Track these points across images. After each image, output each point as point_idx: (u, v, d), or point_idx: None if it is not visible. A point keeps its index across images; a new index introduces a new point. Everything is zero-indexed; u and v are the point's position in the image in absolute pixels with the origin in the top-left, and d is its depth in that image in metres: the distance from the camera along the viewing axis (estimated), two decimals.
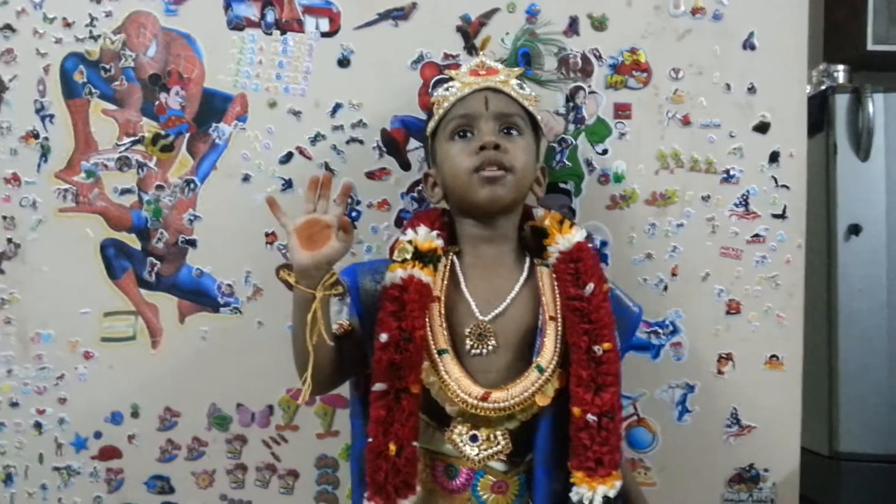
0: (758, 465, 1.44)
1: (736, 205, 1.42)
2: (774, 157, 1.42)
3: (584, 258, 1.12)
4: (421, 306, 1.07)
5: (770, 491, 1.44)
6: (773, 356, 1.43)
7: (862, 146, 1.83)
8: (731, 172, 1.42)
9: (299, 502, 1.42)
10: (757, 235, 1.42)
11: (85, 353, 1.40)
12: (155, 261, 1.40)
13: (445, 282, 1.13)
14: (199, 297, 1.40)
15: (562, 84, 1.37)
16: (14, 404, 1.40)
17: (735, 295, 1.42)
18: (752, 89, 1.41)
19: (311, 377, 1.03)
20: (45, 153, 1.39)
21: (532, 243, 1.19)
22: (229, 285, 1.40)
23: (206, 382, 1.41)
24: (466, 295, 1.12)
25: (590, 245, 1.15)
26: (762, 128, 1.42)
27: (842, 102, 1.98)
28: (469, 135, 1.14)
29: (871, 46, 2.12)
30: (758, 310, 1.42)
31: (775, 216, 1.42)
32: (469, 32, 1.38)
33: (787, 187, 1.42)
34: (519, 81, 1.17)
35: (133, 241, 1.40)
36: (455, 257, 1.16)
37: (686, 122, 1.41)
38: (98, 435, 1.41)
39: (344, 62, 1.39)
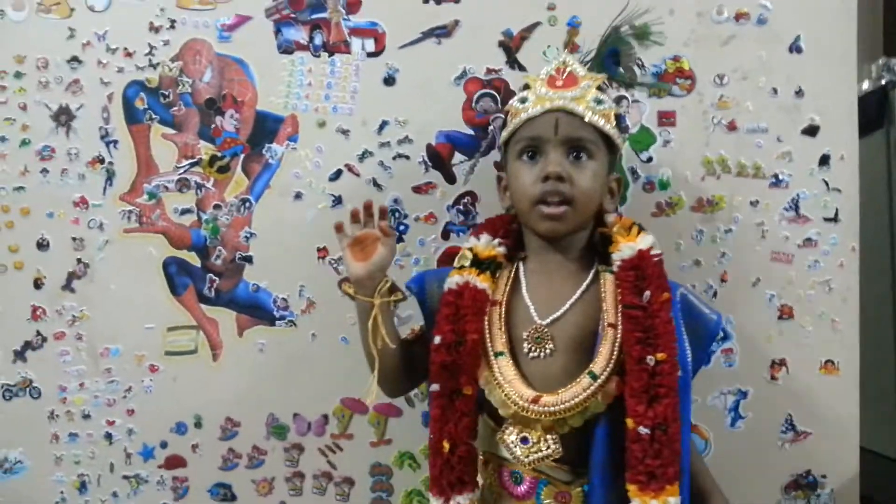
0: (815, 471, 1.42)
1: (786, 209, 1.41)
2: (825, 160, 1.41)
3: (645, 266, 1.10)
4: (475, 311, 1.10)
5: (828, 497, 1.42)
6: (828, 361, 1.41)
7: None
8: (780, 177, 1.41)
9: None
10: (809, 240, 1.41)
11: (150, 367, 1.46)
12: (214, 277, 1.45)
13: (508, 286, 1.15)
14: (256, 311, 1.45)
15: (660, 85, 1.36)
16: (86, 416, 1.47)
17: (787, 300, 1.41)
18: (799, 92, 1.40)
19: (376, 380, 1.10)
20: (110, 177, 1.45)
21: (601, 249, 1.18)
22: (284, 299, 1.44)
23: (264, 393, 1.45)
24: (526, 299, 1.13)
25: (653, 252, 1.11)
26: (811, 131, 1.40)
27: None
28: (536, 157, 1.13)
29: None
30: (811, 314, 1.41)
31: (827, 220, 1.41)
32: (511, 47, 1.40)
33: (838, 190, 1.40)
34: (597, 95, 1.13)
35: (193, 259, 1.45)
36: (521, 263, 1.18)
37: (732, 127, 1.41)
38: (164, 445, 1.46)
39: (389, 80, 1.43)
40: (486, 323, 1.11)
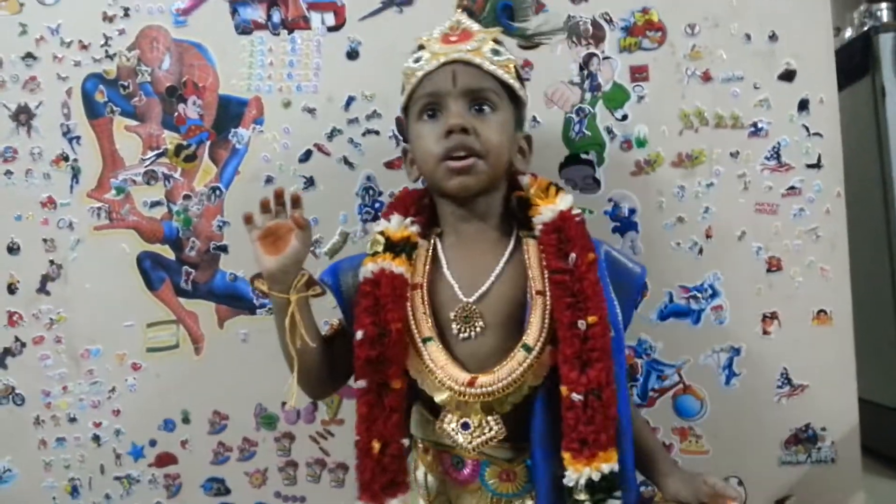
0: (815, 424, 1.40)
1: (767, 158, 1.38)
2: (804, 105, 1.38)
3: (567, 227, 1.05)
4: (395, 299, 1.03)
5: (830, 450, 1.40)
6: (820, 311, 1.39)
7: None
8: (760, 125, 1.38)
9: (351, 494, 1.39)
10: (792, 188, 1.38)
11: (133, 365, 1.44)
12: (190, 269, 1.43)
13: (428, 266, 1.08)
14: (236, 300, 1.43)
15: (553, 35, 1.21)
16: (72, 419, 1.45)
17: (774, 251, 1.38)
18: (773, 37, 1.37)
19: (297, 381, 1.04)
20: (75, 174, 1.43)
21: (520, 214, 1.12)
22: None
23: (250, 383, 1.43)
24: (448, 277, 1.07)
25: (575, 212, 1.07)
26: (788, 76, 1.38)
27: (886, 42, 1.90)
28: (437, 114, 1.07)
29: None
30: (800, 265, 1.38)
31: (810, 166, 1.38)
32: (475, 10, 1.35)
33: (819, 135, 1.38)
34: (495, 47, 1.08)
35: (167, 252, 1.43)
36: (437, 239, 1.11)
37: (707, 78, 1.38)
38: (153, 443, 1.45)
39: (353, 54, 1.40)
40: (409, 308, 1.05)
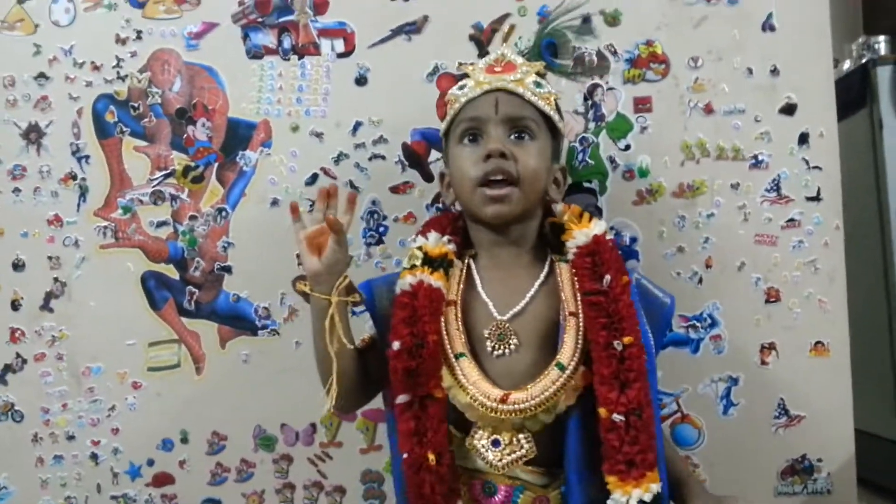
0: (811, 455, 1.40)
1: (767, 190, 1.40)
2: (804, 139, 1.39)
3: (601, 251, 1.08)
4: (432, 311, 1.04)
5: (826, 481, 1.40)
6: (818, 343, 1.40)
7: None
8: (760, 157, 1.40)
9: None
10: (792, 220, 1.40)
11: (133, 384, 1.44)
12: (193, 289, 1.43)
13: (462, 285, 1.10)
14: (238, 321, 1.43)
15: (590, 74, 1.33)
16: (71, 437, 1.44)
17: (773, 282, 1.39)
18: (774, 71, 1.39)
19: (336, 383, 1.03)
20: (83, 193, 1.44)
21: (553, 240, 1.15)
22: (266, 308, 1.43)
23: (250, 404, 1.43)
24: (483, 296, 1.09)
25: (608, 237, 1.10)
26: (789, 109, 1.39)
27: (884, 74, 1.92)
28: (478, 139, 1.10)
29: None
30: (798, 296, 1.39)
31: (809, 199, 1.39)
32: (482, 40, 1.38)
33: (819, 168, 1.39)
34: (537, 79, 1.12)
35: (171, 272, 1.43)
36: (471, 260, 1.13)
37: (709, 110, 1.40)
38: (151, 462, 1.44)
39: (361, 80, 1.42)
40: (443, 324, 1.06)
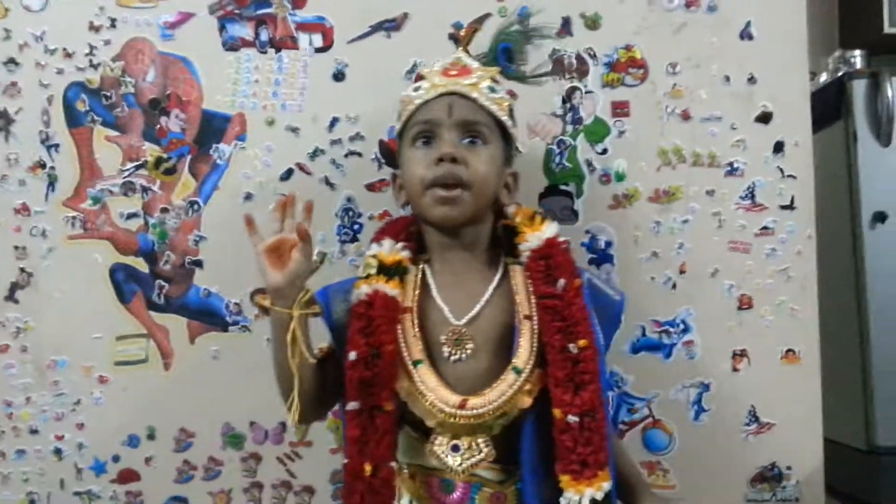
0: (780, 462, 1.41)
1: (742, 198, 1.41)
2: (779, 148, 1.40)
3: (554, 254, 1.08)
4: (389, 321, 1.05)
5: (794, 489, 1.41)
6: (789, 350, 1.41)
7: (882, 132, 1.79)
8: (735, 165, 1.40)
9: None
10: (765, 228, 1.41)
11: (100, 378, 1.41)
12: (163, 283, 1.41)
13: (417, 291, 1.10)
14: (209, 317, 1.41)
15: (549, 78, 1.32)
16: (34, 431, 1.42)
17: (746, 289, 1.40)
18: (752, 79, 1.40)
19: (297, 398, 1.03)
20: (52, 182, 1.41)
21: (506, 242, 1.15)
22: (237, 304, 1.41)
23: (219, 402, 1.41)
24: (439, 302, 1.09)
25: (561, 240, 1.11)
26: (764, 118, 1.40)
27: (860, 88, 1.94)
28: (431, 142, 1.10)
29: (888, 29, 2.08)
30: (771, 304, 1.40)
31: (783, 207, 1.41)
32: (462, 40, 1.37)
33: (793, 177, 1.40)
34: (492, 84, 1.12)
35: (141, 265, 1.41)
36: (426, 266, 1.13)
37: (686, 116, 1.40)
38: (116, 458, 1.42)
39: (339, 76, 1.40)
40: (400, 331, 1.07)
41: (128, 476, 1.42)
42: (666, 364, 1.40)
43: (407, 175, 1.12)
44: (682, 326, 1.40)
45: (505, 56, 1.19)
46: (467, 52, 1.17)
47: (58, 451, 1.42)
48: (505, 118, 1.12)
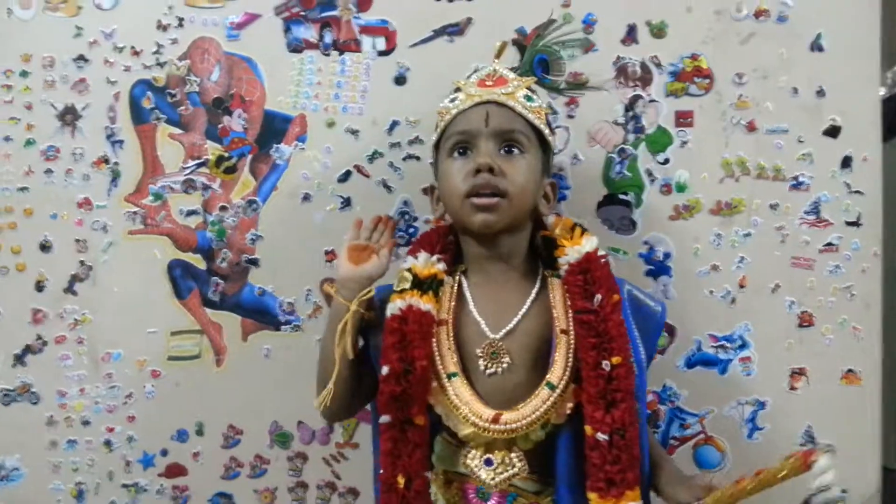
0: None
1: (807, 212, 1.38)
2: (847, 163, 1.38)
3: (593, 269, 1.08)
4: (422, 336, 1.05)
5: None
6: (849, 370, 1.38)
7: None
8: (801, 179, 1.38)
9: None
10: (830, 244, 1.38)
11: (152, 372, 1.43)
12: (219, 280, 1.42)
13: (453, 303, 1.11)
14: (262, 315, 1.42)
15: (585, 90, 1.30)
16: (86, 422, 1.43)
17: (807, 307, 1.37)
18: (821, 92, 1.38)
19: (333, 385, 1.07)
20: (115, 177, 1.43)
21: (544, 253, 1.15)
22: (290, 303, 1.41)
23: (268, 400, 1.42)
24: (475, 314, 1.10)
25: (600, 254, 1.10)
26: (833, 132, 1.38)
27: None
28: (468, 152, 1.10)
29: None
30: (832, 322, 1.37)
31: (849, 224, 1.38)
32: (525, 45, 1.36)
33: (860, 193, 1.38)
34: (528, 93, 1.12)
35: (198, 262, 1.42)
36: (462, 276, 1.13)
37: (751, 128, 1.38)
38: (164, 453, 1.43)
39: (400, 80, 1.41)
40: (434, 344, 1.07)
41: (175, 471, 1.43)
42: (721, 380, 1.38)
43: (444, 186, 1.12)
44: (739, 342, 1.38)
45: (541, 67, 1.21)
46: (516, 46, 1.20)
47: (108, 443, 1.44)
48: (542, 126, 1.12)
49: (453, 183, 1.09)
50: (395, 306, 1.07)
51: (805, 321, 1.38)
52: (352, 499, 1.42)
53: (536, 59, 1.20)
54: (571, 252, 1.09)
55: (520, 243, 1.14)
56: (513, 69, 1.17)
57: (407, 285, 1.09)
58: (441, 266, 1.11)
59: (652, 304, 1.15)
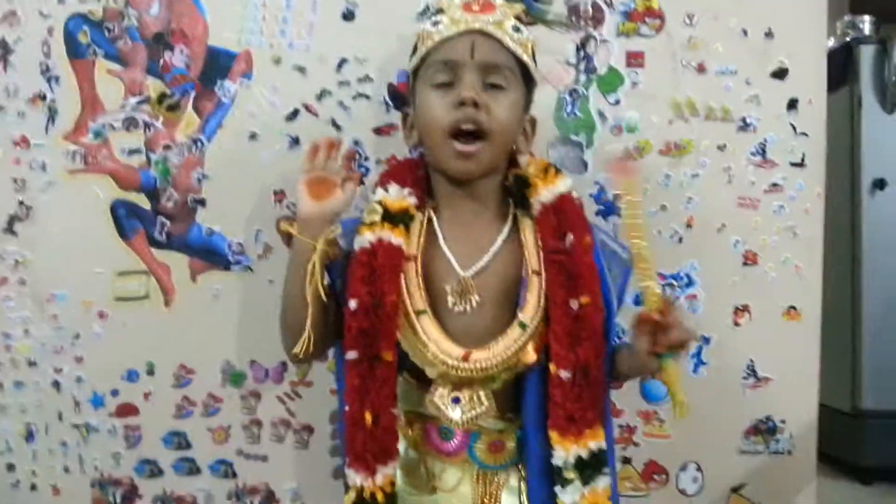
0: (775, 416, 1.44)
1: (753, 153, 1.41)
2: (793, 105, 1.41)
3: (566, 209, 1.07)
4: (391, 270, 1.03)
5: (787, 442, 1.44)
6: (790, 307, 1.43)
7: (888, 99, 1.79)
8: (748, 120, 1.41)
9: (314, 456, 1.44)
10: (775, 184, 1.42)
11: (99, 313, 1.42)
12: (165, 220, 1.41)
13: (422, 239, 1.09)
14: (211, 255, 1.41)
15: (570, 26, 1.30)
16: (32, 363, 1.43)
17: (752, 246, 1.41)
18: (769, 34, 1.40)
19: (310, 328, 1.03)
20: (52, 115, 1.40)
21: (516, 192, 1.13)
22: (240, 244, 1.41)
23: (219, 340, 1.42)
24: (445, 251, 1.08)
25: (574, 195, 1.10)
26: (780, 74, 1.40)
27: (867, 54, 1.94)
28: (451, 83, 1.05)
29: None
30: (775, 260, 1.41)
31: (794, 164, 1.41)
32: None
33: (805, 135, 1.41)
34: (516, 23, 1.07)
35: (143, 201, 1.41)
36: (432, 212, 1.11)
37: (701, 69, 1.40)
38: (115, 393, 1.43)
39: (349, 15, 1.38)
40: (403, 280, 1.05)
41: (126, 410, 1.44)
42: None
43: (423, 117, 1.08)
44: (686, 280, 1.42)
45: None
46: None
47: (56, 384, 1.43)
48: (528, 60, 1.08)
49: (434, 115, 1.05)
50: (364, 239, 1.05)
51: (749, 259, 1.42)
52: (307, 435, 1.44)
53: None
54: (544, 192, 1.09)
55: (494, 183, 1.12)
56: None
57: (377, 218, 1.06)
58: (412, 200, 1.09)
59: (620, 249, 1.14)
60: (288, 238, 1.09)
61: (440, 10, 1.09)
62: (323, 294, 1.03)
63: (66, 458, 1.45)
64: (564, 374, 1.01)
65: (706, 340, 1.42)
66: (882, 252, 2.16)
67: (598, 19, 1.38)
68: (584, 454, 1.01)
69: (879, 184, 2.07)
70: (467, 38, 1.05)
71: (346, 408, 1.03)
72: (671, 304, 1.00)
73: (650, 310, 0.97)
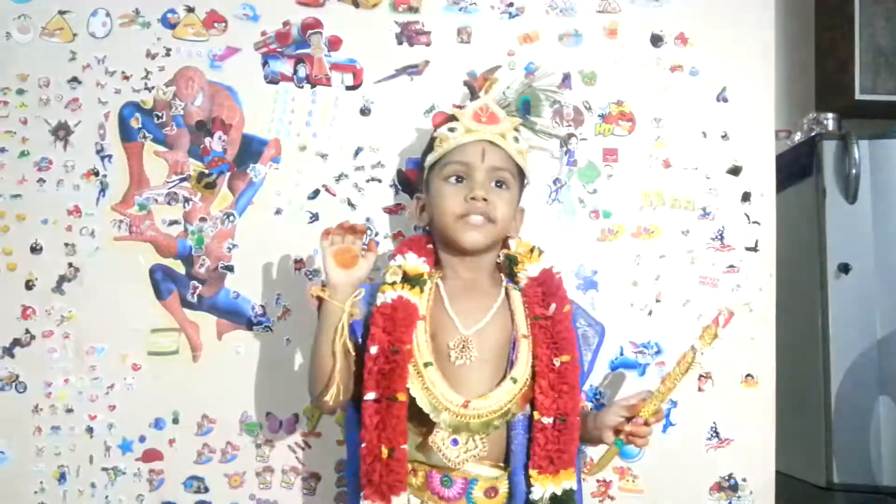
0: (736, 474, 1.55)
1: (713, 238, 1.58)
2: (746, 197, 1.58)
3: (548, 282, 1.27)
4: (408, 323, 1.20)
5: (748, 498, 1.55)
6: (748, 375, 1.56)
7: (850, 190, 1.86)
8: (708, 210, 1.58)
9: (320, 502, 1.55)
10: (732, 266, 1.57)
11: (133, 365, 1.54)
12: (197, 284, 1.56)
13: (431, 302, 1.26)
14: (236, 316, 1.56)
15: (554, 134, 1.51)
16: (69, 410, 1.54)
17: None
18: (725, 137, 1.59)
19: (339, 380, 1.17)
20: (103, 188, 1.56)
21: (507, 269, 1.33)
22: (262, 306, 1.56)
23: (239, 392, 1.55)
24: (450, 312, 1.25)
25: (555, 272, 1.29)
26: (735, 171, 1.58)
27: (830, 148, 2.05)
28: (463, 179, 1.26)
29: (858, 96, 2.17)
30: (734, 333, 1.53)
31: (748, 249, 1.58)
32: (474, 87, 1.54)
33: (758, 223, 1.58)
34: (516, 134, 1.30)
35: (178, 267, 1.56)
36: (439, 280, 1.29)
37: (667, 165, 1.58)
38: (143, 439, 1.54)
39: (365, 111, 1.58)
40: (413, 335, 1.21)
41: (152, 455, 1.54)
42: (640, 381, 1.55)
43: (437, 204, 1.27)
44: (655, 348, 1.56)
45: (525, 108, 1.42)
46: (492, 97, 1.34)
47: (89, 430, 1.54)
48: (524, 165, 1.30)
49: (449, 204, 1.25)
50: (386, 296, 1.22)
51: None
52: (314, 482, 1.55)
53: (522, 100, 1.42)
54: (531, 268, 1.29)
55: (490, 258, 1.32)
56: (501, 104, 1.33)
57: (398, 279, 1.24)
58: (426, 267, 1.27)
59: (594, 322, 1.34)
60: (319, 302, 1.21)
61: (453, 118, 1.30)
62: (351, 349, 1.19)
63: (93, 499, 1.54)
64: (546, 420, 1.18)
65: (674, 404, 1.54)
66: (847, 329, 2.24)
67: (578, 121, 1.57)
68: (559, 491, 1.17)
69: (844, 268, 2.15)
70: (479, 145, 1.27)
71: (363, 444, 1.16)
72: (662, 417, 1.24)
73: (647, 413, 1.19)
